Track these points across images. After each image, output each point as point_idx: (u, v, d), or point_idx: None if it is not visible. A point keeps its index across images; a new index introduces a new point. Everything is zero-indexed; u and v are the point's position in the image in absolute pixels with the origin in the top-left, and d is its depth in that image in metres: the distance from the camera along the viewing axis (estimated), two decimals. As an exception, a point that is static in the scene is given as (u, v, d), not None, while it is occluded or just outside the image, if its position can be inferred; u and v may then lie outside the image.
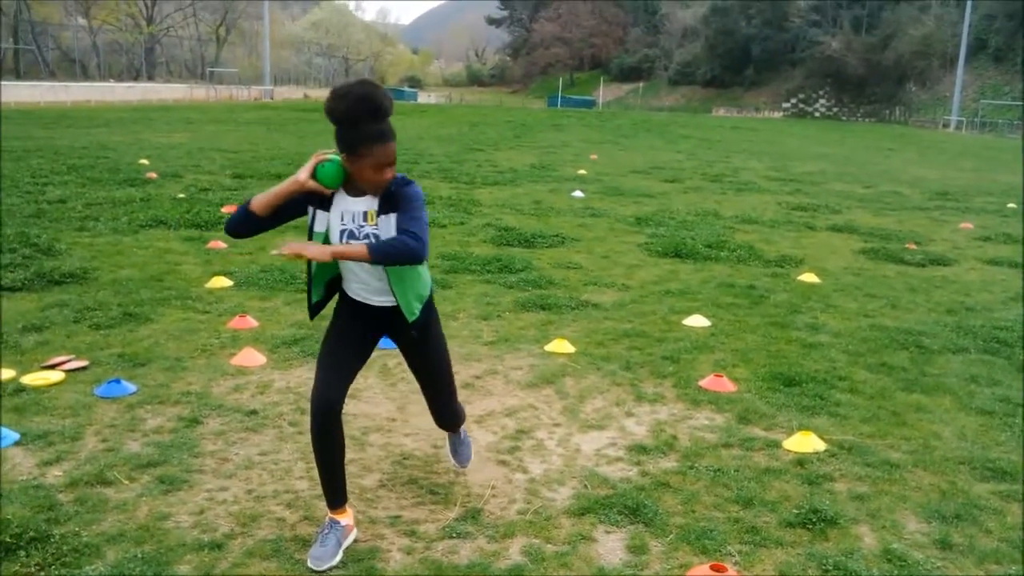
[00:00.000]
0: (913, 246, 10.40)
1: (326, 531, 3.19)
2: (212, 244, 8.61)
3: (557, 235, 9.88)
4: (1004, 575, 3.21)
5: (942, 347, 6.14)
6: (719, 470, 3.99)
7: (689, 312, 6.72)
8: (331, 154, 3.02)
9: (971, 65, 66.45)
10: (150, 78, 74.10)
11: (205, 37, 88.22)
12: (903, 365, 5.70)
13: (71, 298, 6.40)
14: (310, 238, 3.14)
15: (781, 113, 76.37)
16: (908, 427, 4.62)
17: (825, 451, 4.23)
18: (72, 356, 5.12)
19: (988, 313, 7.23)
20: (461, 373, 5.20)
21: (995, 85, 66.78)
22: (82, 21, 72.75)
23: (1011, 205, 15.55)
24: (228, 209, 10.63)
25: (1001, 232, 11.94)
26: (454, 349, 5.64)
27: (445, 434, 3.94)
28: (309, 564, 3.09)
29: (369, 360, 5.32)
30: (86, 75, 68.14)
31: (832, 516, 3.56)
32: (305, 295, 6.77)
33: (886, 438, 4.46)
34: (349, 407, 4.61)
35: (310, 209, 3.13)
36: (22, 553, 3.05)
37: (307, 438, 4.15)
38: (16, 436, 4.01)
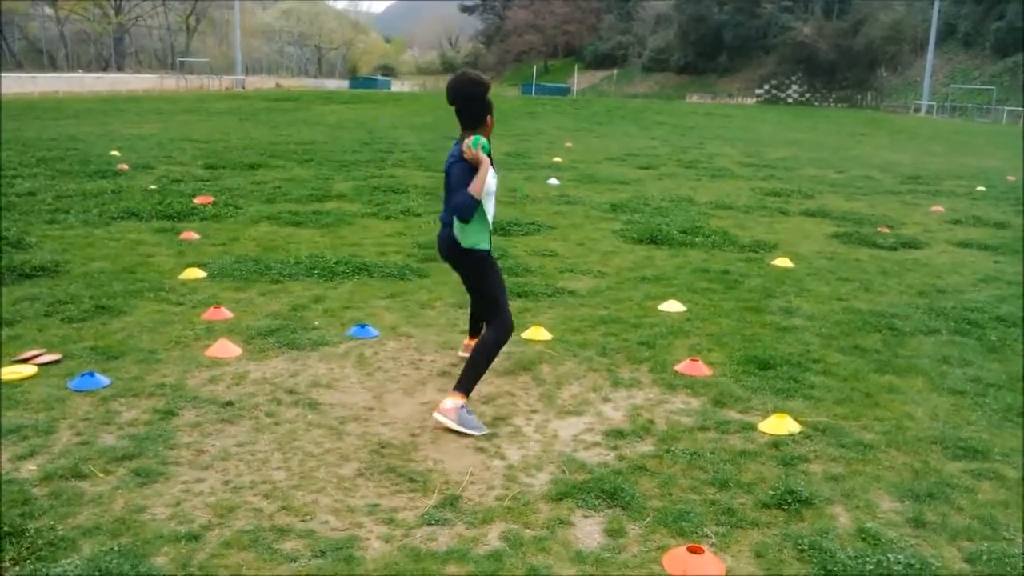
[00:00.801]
0: (885, 230, 10.50)
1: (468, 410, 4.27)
2: (184, 235, 8.53)
3: (533, 223, 9.89)
4: (976, 551, 3.26)
5: (914, 329, 6.21)
6: (695, 453, 4.02)
7: (664, 298, 6.76)
8: (472, 138, 4.19)
9: (941, 50, 67.01)
10: (119, 68, 73.01)
11: (175, 27, 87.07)
12: (876, 347, 5.76)
13: (42, 292, 6.33)
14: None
15: (754, 99, 76.65)
16: (881, 408, 4.68)
17: (800, 433, 4.28)
18: (44, 350, 5.06)
19: (959, 295, 7.33)
20: (438, 362, 5.21)
21: (964, 70, 67.44)
22: (49, 11, 71.54)
23: (980, 188, 15.74)
24: (200, 200, 10.53)
25: (971, 215, 12.09)
26: (430, 338, 5.65)
27: (423, 424, 3.96)
28: (475, 433, 4.14)
29: (345, 350, 5.34)
30: (54, 66, 67.05)
31: (807, 497, 3.60)
32: (279, 286, 6.75)
33: (859, 419, 4.51)
34: (325, 396, 4.60)
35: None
36: (-4, 548, 3.02)
37: (283, 428, 4.15)
38: (-12, 431, 3.96)
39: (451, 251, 4.41)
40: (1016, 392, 4.99)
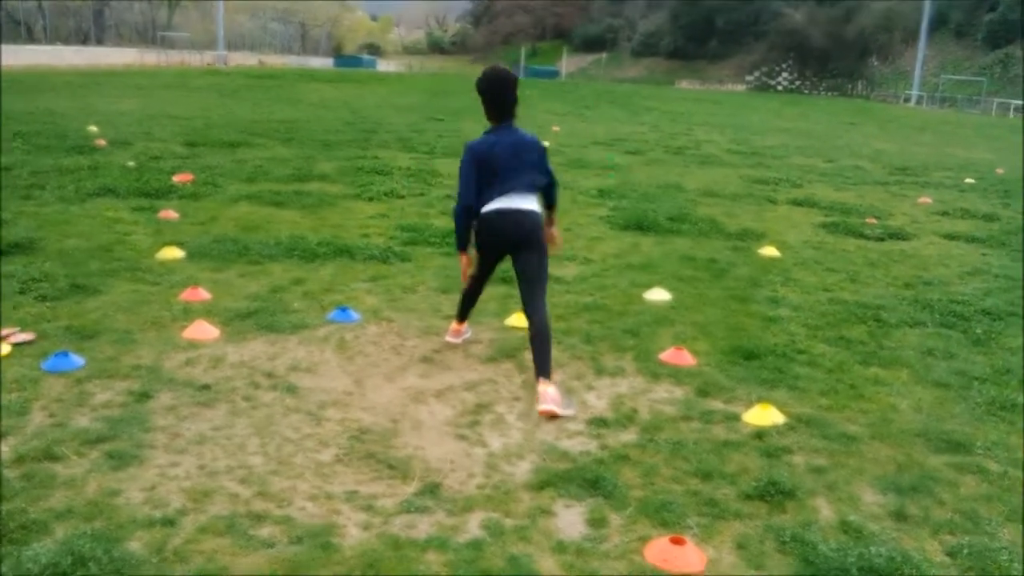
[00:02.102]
0: (873, 220, 10.49)
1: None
2: (163, 214, 8.40)
3: (518, 206, 9.80)
4: (958, 545, 3.26)
5: (900, 321, 6.20)
6: (678, 443, 3.99)
7: (650, 285, 6.72)
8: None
9: (932, 40, 67.16)
10: (99, 42, 72.02)
11: (156, 0, 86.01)
12: (861, 339, 5.75)
13: (16, 269, 6.21)
14: None
15: (744, 86, 76.67)
16: (866, 400, 4.66)
17: (784, 424, 4.25)
18: (18, 329, 4.97)
19: (945, 287, 7.32)
20: (420, 347, 5.15)
21: (955, 60, 67.64)
22: (29, -19, 70.47)
23: (968, 180, 15.77)
24: (179, 178, 10.39)
25: (958, 207, 12.10)
26: (412, 322, 5.59)
27: (403, 410, 3.90)
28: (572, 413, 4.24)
29: (326, 334, 5.28)
30: (31, 38, 66.08)
31: (790, 488, 3.58)
32: (259, 268, 6.67)
33: (844, 411, 4.50)
34: (305, 381, 4.54)
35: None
36: (-37, 532, 2.96)
37: (261, 413, 4.09)
38: (-42, 411, 3.89)
39: (536, 228, 4.60)
40: (1000, 386, 4.98)
